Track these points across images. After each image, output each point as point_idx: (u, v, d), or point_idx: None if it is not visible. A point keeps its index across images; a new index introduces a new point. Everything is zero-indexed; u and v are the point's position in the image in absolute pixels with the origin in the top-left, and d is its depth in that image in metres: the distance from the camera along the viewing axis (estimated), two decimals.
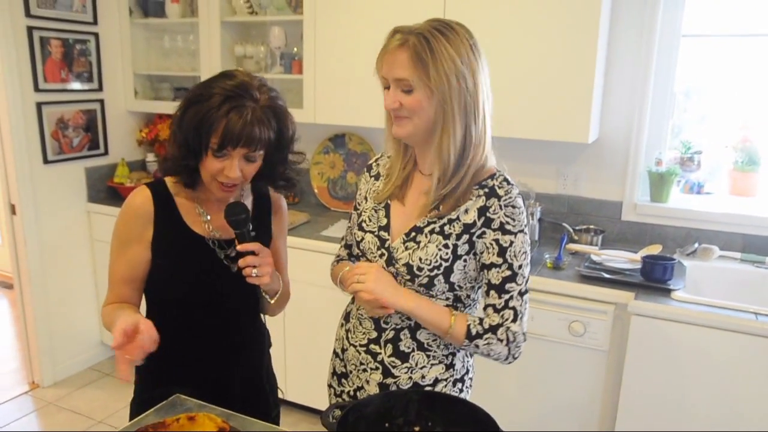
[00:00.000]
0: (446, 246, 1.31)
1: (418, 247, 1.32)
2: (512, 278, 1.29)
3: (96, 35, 3.36)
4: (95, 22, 3.34)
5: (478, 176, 1.32)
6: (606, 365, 2.28)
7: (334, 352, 1.56)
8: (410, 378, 1.39)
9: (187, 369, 1.49)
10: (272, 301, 1.52)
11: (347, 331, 1.49)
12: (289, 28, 3.17)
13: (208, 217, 1.46)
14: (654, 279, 2.27)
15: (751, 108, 2.78)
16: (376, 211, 1.43)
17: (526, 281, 1.32)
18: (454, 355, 1.41)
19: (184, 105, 1.36)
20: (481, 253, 1.31)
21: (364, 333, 1.43)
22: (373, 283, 1.30)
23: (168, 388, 1.45)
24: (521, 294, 1.30)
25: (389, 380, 1.40)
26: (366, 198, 1.48)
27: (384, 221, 1.40)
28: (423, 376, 1.39)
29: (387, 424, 1.19)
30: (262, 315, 1.63)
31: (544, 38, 2.46)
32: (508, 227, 1.29)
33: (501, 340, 1.29)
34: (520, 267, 1.29)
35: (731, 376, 2.05)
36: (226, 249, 1.46)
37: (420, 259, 1.31)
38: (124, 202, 1.45)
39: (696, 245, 2.59)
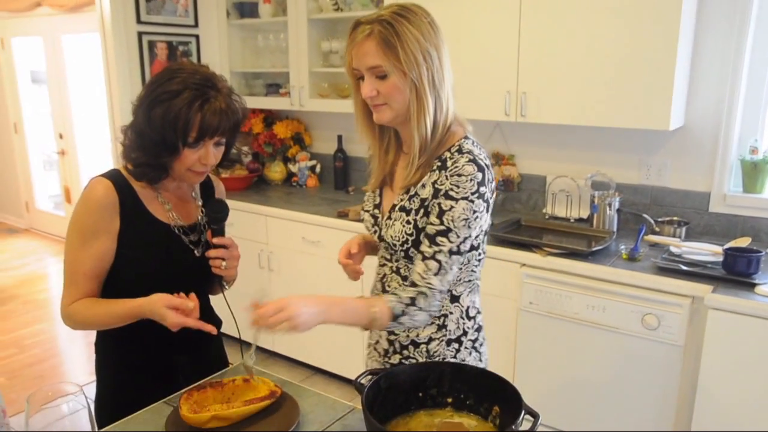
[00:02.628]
0: (408, 222, 1.38)
1: (391, 225, 1.42)
2: (445, 233, 1.31)
3: (197, 37, 3.65)
4: (196, 25, 3.63)
5: (443, 144, 1.38)
6: (681, 360, 2.19)
7: None
8: (407, 336, 1.47)
9: (148, 352, 1.53)
10: (228, 288, 1.59)
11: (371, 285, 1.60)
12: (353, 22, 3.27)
13: (170, 206, 1.52)
14: (736, 272, 2.15)
15: None
16: (373, 192, 1.54)
17: (461, 244, 1.32)
18: (446, 316, 1.45)
19: (148, 105, 1.38)
20: (430, 216, 1.35)
21: (377, 290, 1.54)
22: (299, 320, 1.24)
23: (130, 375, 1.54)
24: (451, 252, 1.32)
25: (392, 336, 1.50)
26: None
27: (377, 200, 1.52)
28: (418, 335, 1.46)
29: (420, 394, 1.25)
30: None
31: (622, 19, 2.39)
32: (451, 193, 1.32)
33: (422, 309, 1.32)
34: (457, 230, 1.31)
35: None
36: (189, 234, 1.54)
37: (391, 237, 1.41)
38: (83, 195, 1.43)
39: None
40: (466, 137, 1.40)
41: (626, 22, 2.38)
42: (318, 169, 3.92)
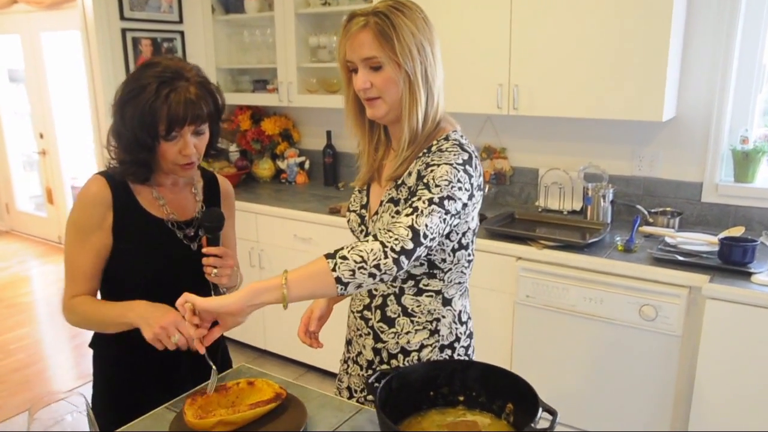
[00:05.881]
0: (397, 212, 1.35)
1: (378, 219, 1.39)
2: (425, 187, 1.25)
3: (182, 33, 3.59)
4: (181, 21, 3.57)
5: (430, 139, 1.37)
6: (679, 350, 2.20)
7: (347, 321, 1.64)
8: (397, 343, 1.43)
9: (149, 350, 1.43)
10: (225, 292, 1.55)
11: (351, 299, 1.56)
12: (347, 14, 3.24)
13: (164, 201, 1.52)
14: (732, 262, 2.16)
15: None
16: (360, 192, 1.52)
17: (444, 199, 1.24)
18: (438, 320, 1.43)
19: (120, 105, 1.38)
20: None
21: (360, 300, 1.50)
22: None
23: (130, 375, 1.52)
24: (431, 201, 1.22)
25: (379, 345, 1.45)
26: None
27: (364, 200, 1.49)
28: (408, 341, 1.43)
29: (432, 393, 1.24)
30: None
31: (614, 11, 2.38)
32: (432, 163, 1.30)
33: (367, 240, 1.17)
34: (436, 186, 1.24)
35: None
36: (184, 229, 1.53)
37: (379, 230, 1.34)
38: (79, 193, 1.45)
39: None
40: (454, 131, 1.39)
41: (618, 13, 2.38)
42: (307, 165, 3.88)
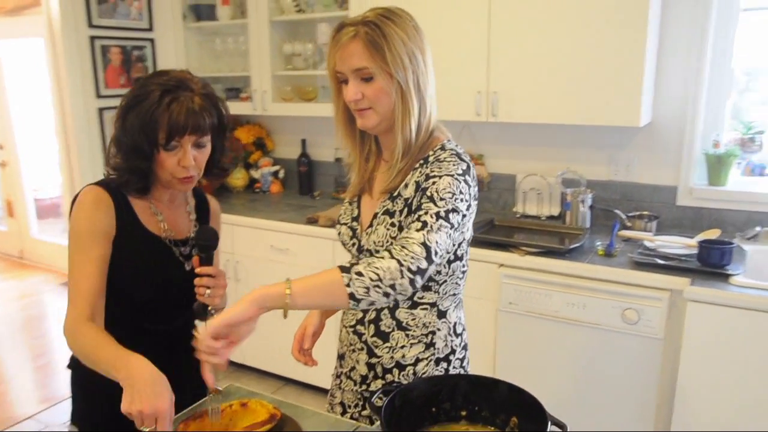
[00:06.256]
0: (393, 224, 1.33)
1: (373, 231, 1.36)
2: (430, 200, 1.24)
3: (152, 41, 3.51)
4: (151, 29, 3.49)
5: (425, 150, 1.35)
6: (662, 353, 2.23)
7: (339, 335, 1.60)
8: (392, 357, 1.41)
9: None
10: (214, 314, 1.48)
11: (343, 313, 1.53)
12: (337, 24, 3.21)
13: (162, 216, 1.47)
14: (711, 264, 2.20)
15: None
16: (350, 205, 1.48)
17: (449, 212, 1.23)
18: (434, 333, 1.41)
19: (123, 112, 1.36)
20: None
21: (353, 314, 1.47)
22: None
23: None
24: (438, 216, 1.21)
25: (374, 360, 1.43)
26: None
27: (356, 212, 1.46)
28: (404, 356, 1.41)
29: (434, 409, 1.22)
30: None
31: (592, 19, 2.41)
32: (432, 175, 1.28)
33: (383, 257, 1.15)
34: (441, 199, 1.23)
35: None
36: (180, 247, 1.49)
37: (374, 243, 1.35)
38: (77, 202, 1.37)
39: (758, 229, 2.49)
40: (448, 140, 1.38)
41: (596, 20, 2.41)
42: (282, 174, 3.83)
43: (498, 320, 2.54)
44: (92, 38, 3.17)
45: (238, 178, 3.84)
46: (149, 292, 1.44)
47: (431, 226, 1.20)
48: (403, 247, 1.16)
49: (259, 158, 3.83)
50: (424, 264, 1.15)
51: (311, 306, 1.15)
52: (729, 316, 2.05)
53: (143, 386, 1.15)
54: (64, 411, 3.21)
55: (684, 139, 2.67)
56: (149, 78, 1.38)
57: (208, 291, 1.40)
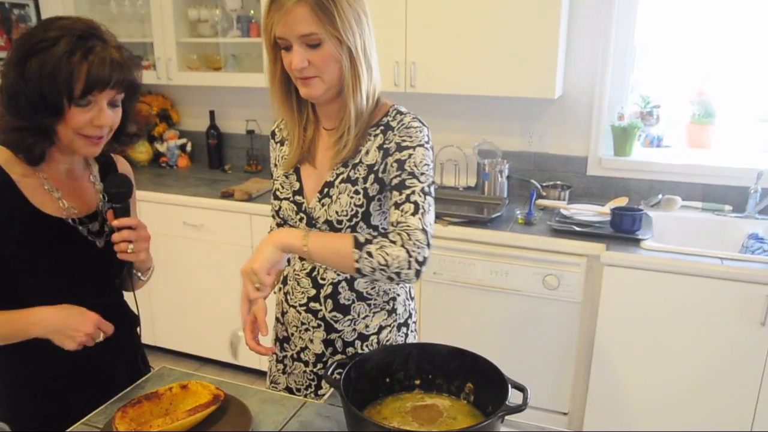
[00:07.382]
0: (357, 192, 1.31)
1: (332, 201, 1.32)
2: (412, 176, 1.25)
3: (36, 1, 3.17)
4: None
5: (374, 116, 1.33)
6: (580, 315, 2.34)
7: (276, 317, 1.53)
8: (354, 330, 1.40)
9: (58, 362, 1.31)
10: (144, 279, 1.42)
11: (285, 293, 1.46)
12: None
13: (60, 194, 1.29)
14: (623, 230, 2.32)
15: (707, 61, 2.84)
16: (287, 177, 1.40)
17: (430, 185, 1.26)
18: (394, 299, 1.42)
19: (19, 59, 1.16)
20: (388, 176, 1.30)
21: (302, 292, 1.41)
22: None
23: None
24: (424, 192, 1.24)
25: (333, 335, 1.40)
26: (276, 165, 1.45)
27: (297, 185, 1.38)
28: (366, 326, 1.40)
29: (388, 379, 1.19)
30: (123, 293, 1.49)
31: None
32: (405, 144, 1.28)
33: (394, 242, 1.17)
34: (422, 174, 1.25)
35: (701, 320, 2.13)
36: (88, 224, 1.32)
37: (337, 213, 1.31)
38: None
39: (660, 196, 2.66)
40: (394, 105, 1.35)
41: None
42: (189, 147, 3.63)
43: (422, 290, 2.55)
44: None
45: (141, 152, 3.59)
46: (58, 283, 1.27)
47: (423, 207, 1.22)
48: (409, 236, 1.18)
49: (164, 131, 3.60)
50: (427, 252, 1.19)
51: (319, 263, 1.30)
52: (641, 278, 2.18)
53: (65, 319, 1.19)
54: None
55: (593, 112, 2.78)
56: (49, 21, 1.18)
57: (130, 246, 1.26)
